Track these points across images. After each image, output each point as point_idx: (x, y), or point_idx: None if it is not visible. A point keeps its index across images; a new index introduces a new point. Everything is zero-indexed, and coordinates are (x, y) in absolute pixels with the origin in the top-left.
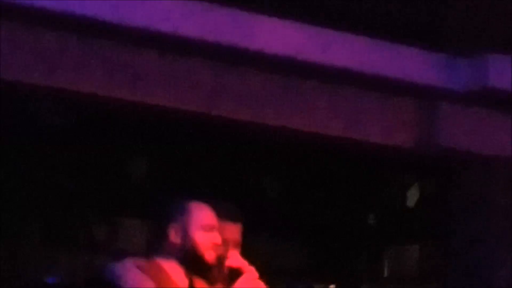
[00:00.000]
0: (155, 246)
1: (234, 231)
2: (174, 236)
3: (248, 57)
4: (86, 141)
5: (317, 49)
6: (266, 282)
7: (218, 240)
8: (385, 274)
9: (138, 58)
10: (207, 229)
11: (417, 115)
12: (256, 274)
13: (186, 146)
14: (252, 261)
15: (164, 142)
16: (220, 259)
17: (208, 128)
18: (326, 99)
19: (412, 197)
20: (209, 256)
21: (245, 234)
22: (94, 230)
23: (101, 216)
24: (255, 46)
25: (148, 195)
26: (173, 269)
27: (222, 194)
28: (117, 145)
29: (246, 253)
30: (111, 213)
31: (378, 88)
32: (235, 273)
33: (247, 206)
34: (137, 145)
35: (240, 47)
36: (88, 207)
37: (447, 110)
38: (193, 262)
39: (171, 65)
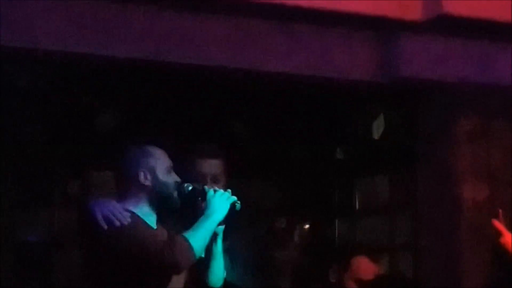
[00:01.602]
0: (123, 193)
1: (211, 166)
2: (143, 179)
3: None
4: (55, 97)
5: None
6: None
7: (178, 178)
8: (357, 207)
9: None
10: (169, 170)
11: (376, 47)
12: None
13: (152, 93)
14: None
15: (127, 92)
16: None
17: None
18: (285, 37)
19: (378, 128)
20: (175, 194)
21: None
22: (67, 186)
23: (72, 171)
24: None
25: (116, 145)
26: (145, 213)
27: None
28: (83, 98)
29: None
30: (82, 167)
31: (334, 23)
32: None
33: None
34: (103, 96)
35: None
36: (60, 163)
37: (405, 40)
38: (161, 202)
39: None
